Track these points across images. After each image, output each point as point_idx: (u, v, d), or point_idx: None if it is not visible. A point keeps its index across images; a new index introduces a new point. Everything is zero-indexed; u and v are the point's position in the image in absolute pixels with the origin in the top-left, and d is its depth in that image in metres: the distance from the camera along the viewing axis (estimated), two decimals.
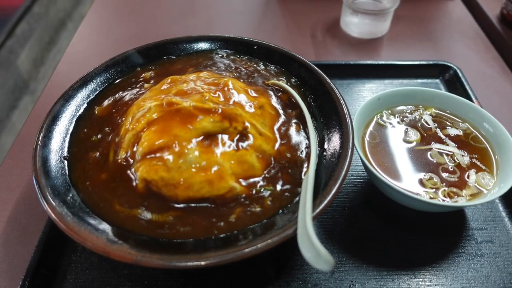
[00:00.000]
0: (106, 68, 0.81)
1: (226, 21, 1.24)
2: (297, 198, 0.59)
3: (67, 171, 0.65)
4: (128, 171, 0.63)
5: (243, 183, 0.61)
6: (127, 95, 0.77)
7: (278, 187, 0.62)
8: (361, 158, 0.69)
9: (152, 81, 0.80)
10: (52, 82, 1.04)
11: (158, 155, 0.60)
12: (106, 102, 0.77)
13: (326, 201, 0.54)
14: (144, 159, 0.61)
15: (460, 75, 0.97)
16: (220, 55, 0.86)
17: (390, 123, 0.78)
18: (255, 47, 0.85)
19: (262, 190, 0.61)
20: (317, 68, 0.76)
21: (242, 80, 0.77)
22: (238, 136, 0.64)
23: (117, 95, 0.78)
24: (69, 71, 1.07)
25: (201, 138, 0.62)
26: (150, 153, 0.60)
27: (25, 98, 1.84)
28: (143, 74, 0.83)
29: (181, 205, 0.59)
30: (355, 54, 1.13)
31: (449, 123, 0.77)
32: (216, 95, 0.68)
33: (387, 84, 1.02)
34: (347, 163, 0.59)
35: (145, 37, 1.01)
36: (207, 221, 0.56)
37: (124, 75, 0.83)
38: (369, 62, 1.02)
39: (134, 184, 0.61)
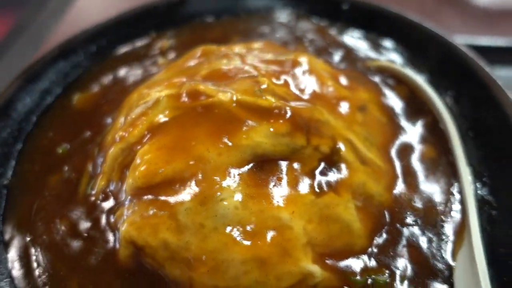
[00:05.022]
0: (103, 32, 0.69)
1: None
2: None
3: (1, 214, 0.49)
4: (110, 219, 0.47)
5: (330, 263, 0.44)
6: (130, 75, 0.64)
7: (401, 277, 0.43)
8: None
9: (171, 55, 0.68)
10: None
11: (162, 197, 0.43)
12: (94, 87, 0.63)
13: None
14: (137, 201, 0.44)
15: None
16: (283, 18, 0.73)
17: None
18: (343, 5, 0.71)
19: (367, 281, 0.43)
20: (461, 46, 0.61)
21: (324, 61, 0.64)
22: (320, 164, 0.47)
23: (113, 76, 0.65)
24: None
25: (249, 166, 0.45)
26: (147, 191, 0.44)
27: None
28: (160, 43, 0.70)
29: None
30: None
31: None
32: (281, 81, 0.52)
33: None
34: None
35: None
36: None
37: (129, 43, 0.71)
38: None
39: (115, 247, 0.45)
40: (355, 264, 0.43)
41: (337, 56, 0.65)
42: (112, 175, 0.48)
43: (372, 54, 0.67)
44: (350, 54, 0.67)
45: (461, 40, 0.82)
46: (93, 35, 0.68)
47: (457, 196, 0.49)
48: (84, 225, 0.47)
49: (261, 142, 0.45)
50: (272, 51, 0.61)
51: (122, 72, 0.65)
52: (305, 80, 0.53)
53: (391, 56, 0.67)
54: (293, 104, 0.48)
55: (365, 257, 0.44)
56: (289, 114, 0.46)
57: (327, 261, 0.44)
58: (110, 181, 0.49)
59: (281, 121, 0.46)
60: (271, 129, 0.46)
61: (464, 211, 0.48)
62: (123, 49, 0.70)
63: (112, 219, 0.46)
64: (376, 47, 0.69)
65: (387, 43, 0.69)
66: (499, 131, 0.52)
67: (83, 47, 0.67)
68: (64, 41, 0.65)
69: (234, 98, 0.47)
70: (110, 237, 0.46)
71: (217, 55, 0.58)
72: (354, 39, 0.70)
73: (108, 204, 0.47)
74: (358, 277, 0.42)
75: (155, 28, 0.72)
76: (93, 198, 0.49)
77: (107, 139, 0.53)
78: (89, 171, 0.52)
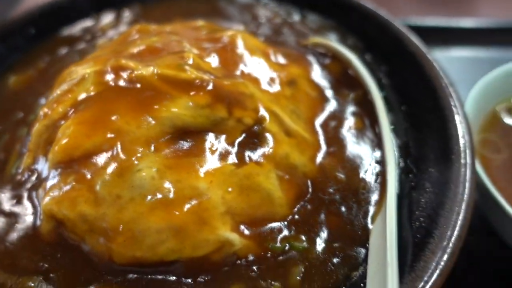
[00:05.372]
0: (42, 14, 0.69)
1: None
2: (358, 271, 0.43)
3: None
4: (33, 195, 0.47)
5: (248, 232, 0.44)
6: (69, 57, 0.65)
7: (319, 243, 0.45)
8: (480, 183, 0.54)
9: (112, 36, 0.69)
10: None
11: (81, 170, 0.44)
12: (31, 69, 0.64)
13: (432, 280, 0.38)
14: (57, 176, 0.45)
15: None
16: None
17: None
18: None
19: (286, 247, 0.44)
20: (395, 22, 0.62)
21: (263, 39, 0.66)
22: (243, 136, 0.48)
23: (51, 58, 0.66)
24: None
25: (167, 137, 0.46)
26: (67, 165, 0.45)
27: None
28: (101, 24, 0.72)
29: (120, 275, 0.43)
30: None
31: None
32: (211, 57, 0.52)
33: None
34: (466, 196, 0.43)
35: None
36: None
37: (70, 25, 0.72)
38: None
39: (36, 223, 0.46)
40: (275, 232, 0.45)
41: (275, 34, 0.66)
42: (38, 152, 0.49)
43: (310, 32, 0.67)
44: (288, 32, 0.67)
45: (406, 21, 0.83)
46: (32, 18, 0.68)
47: (380, 165, 0.51)
48: (8, 203, 0.47)
49: (180, 114, 0.46)
50: (208, 29, 0.61)
51: (60, 54, 0.65)
52: (235, 57, 0.53)
53: (330, 34, 0.67)
54: (215, 77, 0.49)
55: (285, 225, 0.45)
56: (210, 87, 0.47)
57: (247, 230, 0.45)
58: (36, 158, 0.49)
59: (201, 93, 0.46)
60: (191, 101, 0.46)
61: (384, 178, 0.49)
62: (63, 31, 0.70)
63: (34, 195, 0.47)
64: (316, 25, 0.69)
65: (327, 21, 0.70)
66: (424, 102, 0.53)
67: (21, 30, 0.66)
68: (1, 24, 0.65)
69: (156, 72, 0.48)
70: (33, 213, 0.46)
71: (152, 33, 0.58)
72: (294, 18, 0.70)
73: (32, 181, 0.48)
74: (277, 244, 0.44)
75: (96, 9, 0.72)
76: (19, 176, 0.49)
77: (37, 119, 0.52)
78: (17, 151, 0.52)
